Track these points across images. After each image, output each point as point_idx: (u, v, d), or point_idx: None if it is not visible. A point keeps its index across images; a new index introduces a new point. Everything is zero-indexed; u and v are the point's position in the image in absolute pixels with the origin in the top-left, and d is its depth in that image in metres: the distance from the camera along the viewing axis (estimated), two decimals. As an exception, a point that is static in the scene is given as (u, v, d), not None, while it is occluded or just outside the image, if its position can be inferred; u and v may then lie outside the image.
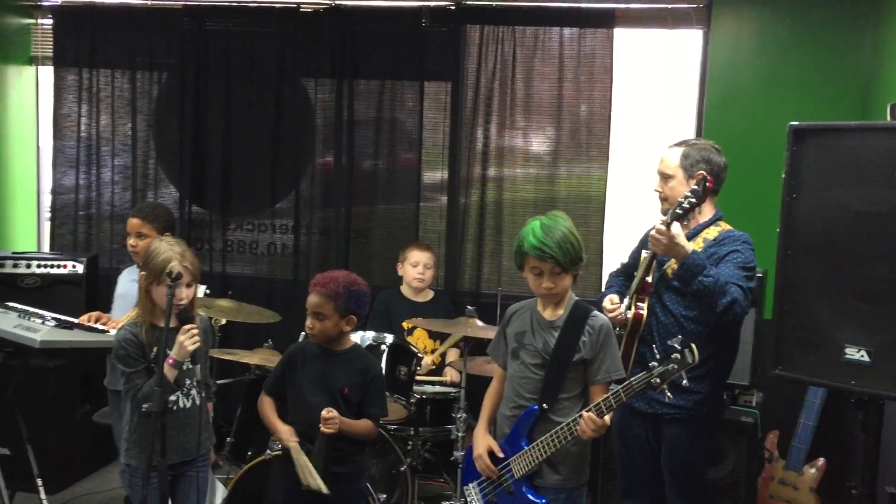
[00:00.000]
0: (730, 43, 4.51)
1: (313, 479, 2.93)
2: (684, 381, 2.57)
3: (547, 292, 2.79)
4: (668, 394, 2.59)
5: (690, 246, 2.99)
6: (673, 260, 3.06)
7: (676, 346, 2.57)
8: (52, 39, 5.38)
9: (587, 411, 2.64)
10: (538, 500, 2.78)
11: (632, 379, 2.62)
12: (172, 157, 5.27)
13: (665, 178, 3.24)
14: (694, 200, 2.91)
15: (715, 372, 3.18)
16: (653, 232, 2.99)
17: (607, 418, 2.64)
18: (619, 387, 2.62)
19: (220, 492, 3.34)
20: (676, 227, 2.96)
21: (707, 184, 2.95)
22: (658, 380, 2.55)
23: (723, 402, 3.40)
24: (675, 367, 2.54)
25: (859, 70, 4.27)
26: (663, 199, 3.25)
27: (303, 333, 3.42)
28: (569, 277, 2.79)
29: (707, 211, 3.22)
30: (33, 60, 5.53)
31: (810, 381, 3.23)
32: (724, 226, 3.22)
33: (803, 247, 2.75)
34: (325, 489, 2.93)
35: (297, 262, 5.17)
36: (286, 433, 3.04)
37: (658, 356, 2.69)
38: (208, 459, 3.13)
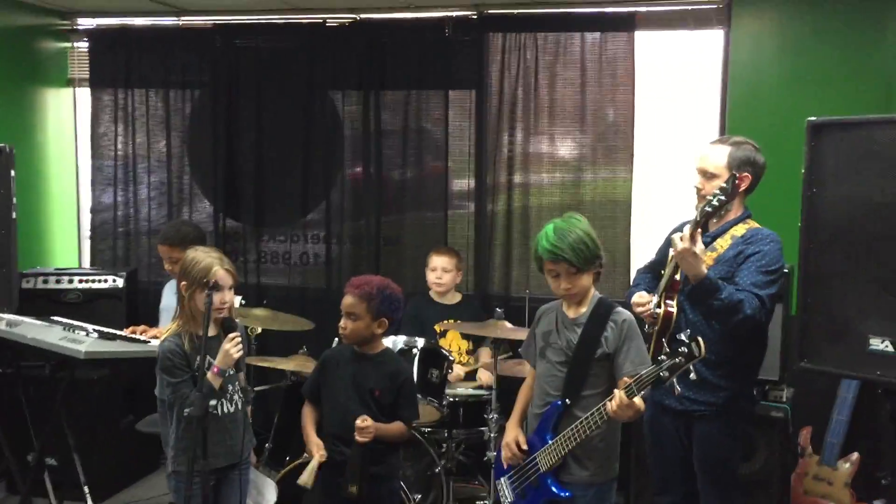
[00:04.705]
0: (751, 42, 4.52)
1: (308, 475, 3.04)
2: (692, 375, 2.58)
3: (565, 293, 2.84)
4: (677, 387, 2.61)
5: (705, 268, 2.95)
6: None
7: (684, 338, 2.58)
8: (87, 61, 5.54)
9: (619, 390, 2.65)
10: (561, 493, 2.82)
11: (642, 371, 2.63)
12: (206, 172, 5.39)
13: (708, 176, 3.17)
14: (723, 198, 2.86)
15: (745, 368, 3.20)
16: (675, 237, 2.95)
17: (637, 400, 2.62)
18: (631, 380, 2.64)
19: (272, 488, 3.42)
20: (700, 246, 2.92)
21: (736, 181, 2.90)
22: (667, 373, 2.56)
23: (753, 398, 3.40)
24: (682, 360, 2.54)
25: (882, 66, 4.25)
26: (703, 197, 3.15)
27: (336, 339, 3.51)
28: (587, 276, 2.82)
29: (737, 208, 3.20)
30: (70, 82, 5.69)
31: (836, 373, 3.23)
32: (752, 223, 3.21)
33: (825, 240, 2.78)
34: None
35: (329, 271, 5.26)
36: (313, 447, 3.13)
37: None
38: (250, 461, 3.22)
